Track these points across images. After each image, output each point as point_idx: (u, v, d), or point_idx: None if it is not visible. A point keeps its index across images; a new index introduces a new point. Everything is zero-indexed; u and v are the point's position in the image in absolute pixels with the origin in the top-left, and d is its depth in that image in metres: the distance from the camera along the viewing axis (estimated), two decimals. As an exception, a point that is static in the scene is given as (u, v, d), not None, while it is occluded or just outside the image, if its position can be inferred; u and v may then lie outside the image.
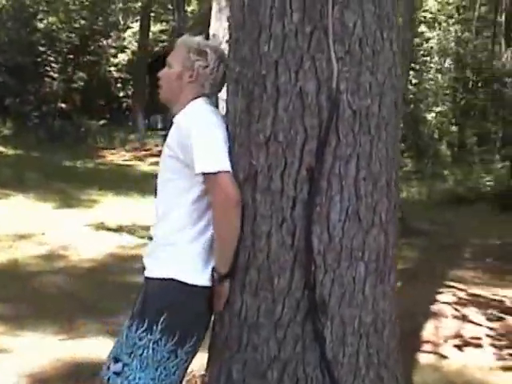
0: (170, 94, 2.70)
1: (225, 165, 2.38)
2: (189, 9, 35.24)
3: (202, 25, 31.74)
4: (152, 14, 27.44)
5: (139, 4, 26.53)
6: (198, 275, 2.47)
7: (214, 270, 2.45)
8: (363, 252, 2.34)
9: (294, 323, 2.32)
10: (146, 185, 14.19)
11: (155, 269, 2.52)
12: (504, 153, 23.42)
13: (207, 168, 2.36)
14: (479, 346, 5.18)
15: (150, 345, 2.44)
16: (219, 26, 15.39)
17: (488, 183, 17.12)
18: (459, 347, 5.08)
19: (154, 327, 2.44)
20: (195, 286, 2.46)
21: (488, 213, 14.29)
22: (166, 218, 2.58)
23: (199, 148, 2.39)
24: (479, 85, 26.45)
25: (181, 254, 2.50)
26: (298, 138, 2.27)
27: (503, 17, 30.17)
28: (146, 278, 2.56)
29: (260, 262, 2.35)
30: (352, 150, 2.29)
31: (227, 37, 7.62)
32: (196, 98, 2.60)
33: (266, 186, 2.32)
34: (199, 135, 2.42)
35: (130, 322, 2.51)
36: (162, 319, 2.43)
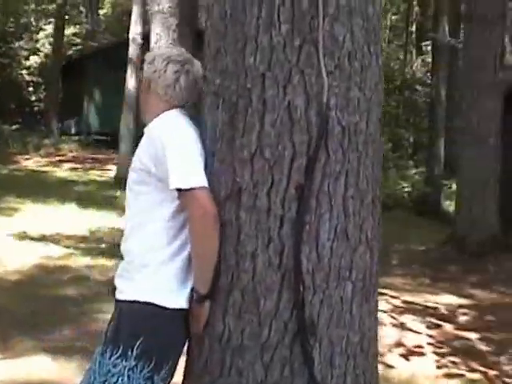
0: (142, 109, 2.62)
1: (201, 179, 2.27)
2: (102, 12, 34.73)
3: (116, 28, 31.33)
4: (65, 17, 26.81)
5: (53, 6, 25.86)
6: (174, 297, 2.36)
7: (192, 290, 2.34)
8: (351, 271, 2.28)
9: (281, 346, 2.23)
10: (64, 191, 13.87)
11: (129, 291, 2.39)
12: (416, 158, 24.07)
13: (183, 184, 2.26)
14: (422, 354, 5.25)
15: (126, 372, 2.31)
16: (140, 30, 15.20)
17: (405, 190, 17.51)
18: (405, 356, 5.13)
19: (129, 353, 2.31)
20: (172, 309, 2.34)
21: (406, 219, 14.62)
22: (138, 235, 2.44)
23: (174, 162, 2.28)
24: (392, 92, 27.11)
25: (155, 275, 2.37)
26: (286, 154, 2.19)
27: (414, 27, 31.08)
28: (119, 301, 2.42)
29: (245, 284, 2.25)
30: (341, 167, 2.23)
31: (163, 42, 7.43)
32: (168, 109, 2.50)
33: (252, 204, 2.23)
34: (174, 148, 2.31)
35: (104, 347, 2.36)
36: (137, 344, 2.30)
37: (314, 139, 2.18)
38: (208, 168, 2.32)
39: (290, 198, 2.20)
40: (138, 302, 2.34)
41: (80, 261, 7.88)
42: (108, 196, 13.61)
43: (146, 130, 2.50)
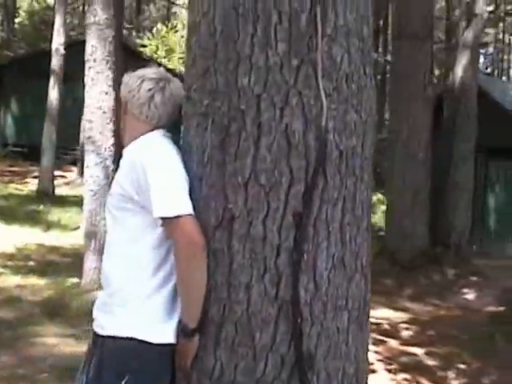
0: (121, 132, 2.48)
1: (187, 207, 2.14)
2: (17, 20, 33.81)
3: (32, 37, 30.49)
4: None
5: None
6: (161, 331, 2.22)
7: (180, 324, 2.20)
8: (347, 300, 2.20)
9: (278, 381, 2.11)
10: (-14, 206, 13.32)
11: (111, 326, 2.23)
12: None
13: (167, 212, 2.12)
14: (374, 371, 5.22)
15: (110, 413, 2.15)
16: (63, 40, 14.81)
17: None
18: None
19: (114, 393, 2.16)
20: (158, 344, 2.20)
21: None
22: (119, 265, 2.29)
23: (157, 188, 2.15)
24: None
25: (139, 308, 2.22)
26: (283, 180, 2.08)
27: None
28: (100, 336, 2.25)
29: (238, 316, 2.13)
30: (338, 193, 2.14)
31: (98, 54, 7.18)
32: (148, 131, 2.36)
33: (245, 232, 2.11)
34: (156, 173, 2.18)
35: (85, 388, 2.20)
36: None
37: (312, 164, 2.09)
38: (194, 193, 2.20)
39: (287, 225, 2.10)
40: (122, 337, 2.20)
41: (10, 280, 7.53)
42: (31, 211, 13.15)
43: (124, 152, 2.36)
